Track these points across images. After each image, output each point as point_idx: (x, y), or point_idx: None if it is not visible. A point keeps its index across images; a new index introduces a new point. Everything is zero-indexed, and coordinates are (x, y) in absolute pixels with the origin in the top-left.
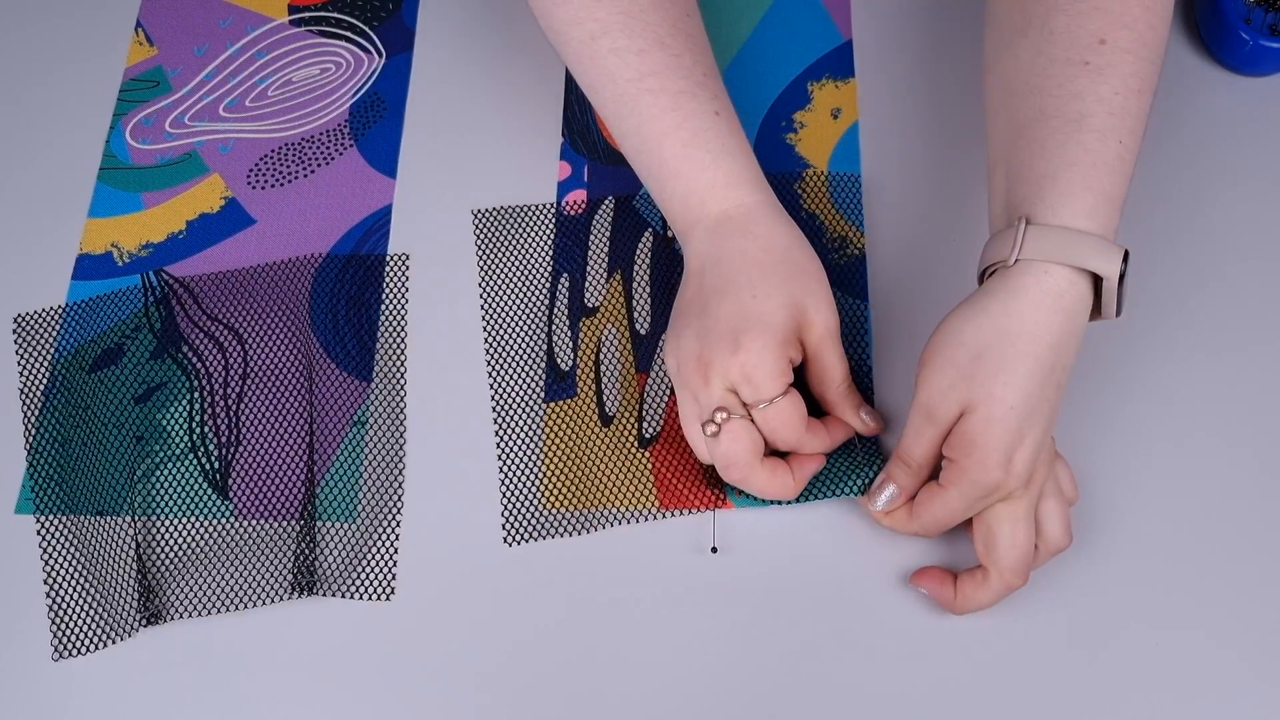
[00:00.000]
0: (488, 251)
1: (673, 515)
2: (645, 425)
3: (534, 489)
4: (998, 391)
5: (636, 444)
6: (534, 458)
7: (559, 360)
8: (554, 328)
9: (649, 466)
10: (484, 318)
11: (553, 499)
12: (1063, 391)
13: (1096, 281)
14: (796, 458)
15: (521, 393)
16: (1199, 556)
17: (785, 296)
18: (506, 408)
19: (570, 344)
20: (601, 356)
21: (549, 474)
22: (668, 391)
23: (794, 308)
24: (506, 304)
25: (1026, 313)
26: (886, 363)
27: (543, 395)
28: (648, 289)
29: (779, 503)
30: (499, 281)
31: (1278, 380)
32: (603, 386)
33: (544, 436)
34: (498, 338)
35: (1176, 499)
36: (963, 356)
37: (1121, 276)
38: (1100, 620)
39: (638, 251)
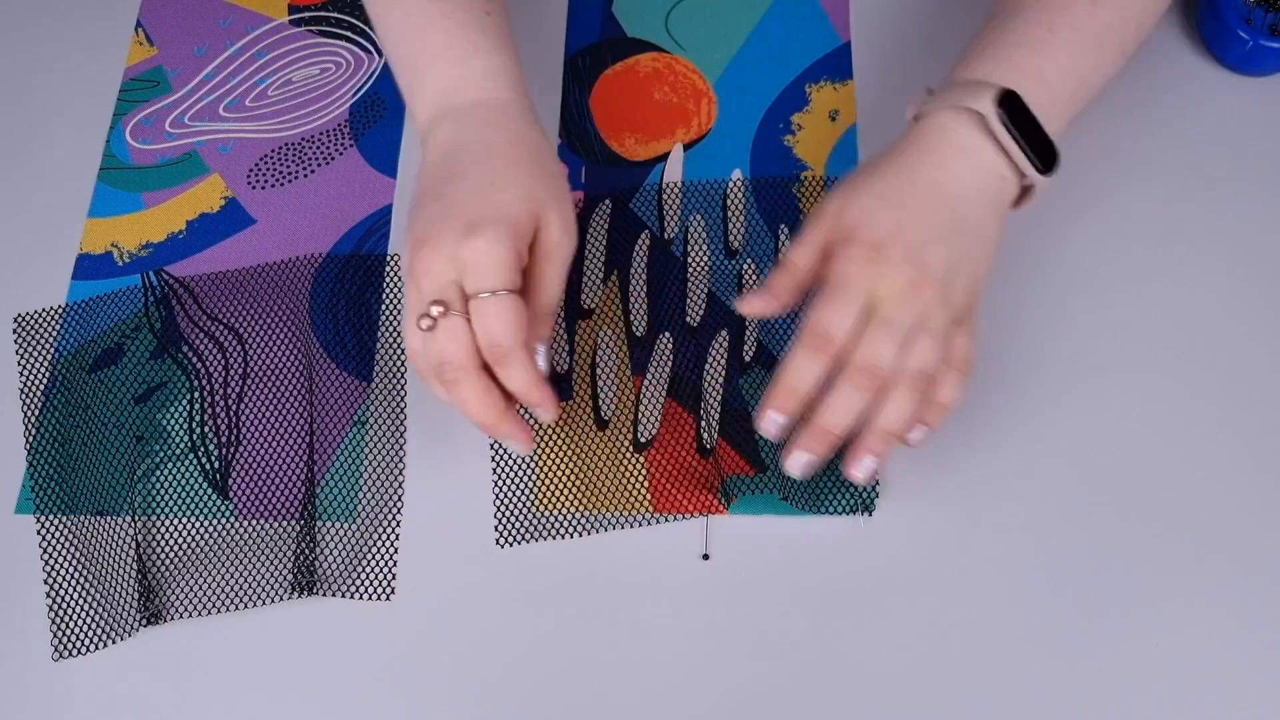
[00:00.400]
0: None
1: (666, 520)
2: (641, 429)
3: (528, 490)
4: (874, 187)
5: (631, 448)
6: (528, 459)
7: (555, 362)
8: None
9: (644, 471)
10: None
11: (547, 501)
12: (976, 243)
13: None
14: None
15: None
16: (1200, 558)
17: (525, 190)
18: None
19: (567, 346)
20: (598, 359)
21: (543, 476)
22: (664, 395)
23: (533, 204)
24: None
25: (918, 148)
26: None
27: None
28: (644, 291)
29: (773, 511)
30: None
31: None
32: (599, 389)
33: (539, 438)
34: None
35: (1177, 500)
36: (858, 179)
37: (1016, 119)
38: (1104, 623)
39: (634, 253)
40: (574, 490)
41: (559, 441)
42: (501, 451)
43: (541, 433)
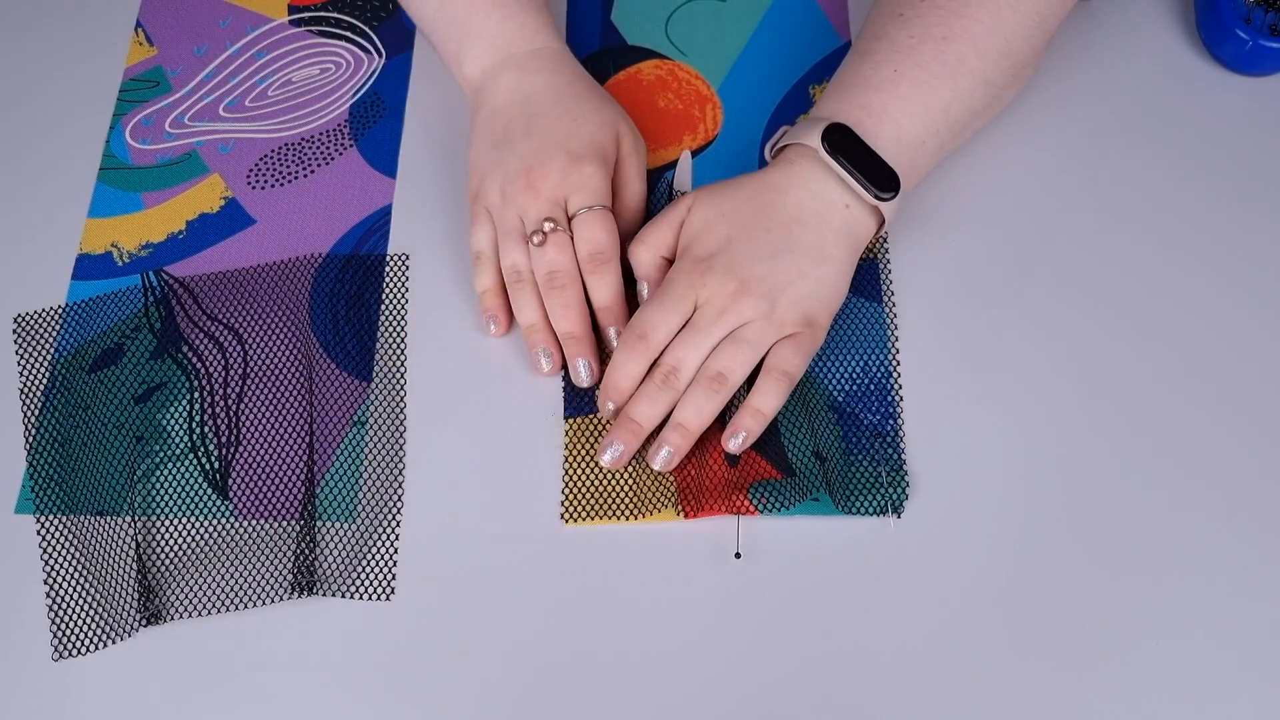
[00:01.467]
0: None
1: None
2: None
3: (595, 468)
4: (720, 204)
5: None
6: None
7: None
8: None
9: (672, 482)
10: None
11: (575, 515)
12: (811, 264)
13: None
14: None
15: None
16: (1199, 559)
17: (604, 119)
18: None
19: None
20: (610, 353)
21: (569, 491)
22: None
23: (612, 129)
24: None
25: (766, 175)
26: (910, 362)
27: (563, 410)
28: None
29: (803, 511)
30: None
31: None
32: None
33: (563, 453)
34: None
35: (1177, 502)
36: (712, 189)
37: (842, 150)
38: (1144, 626)
39: None
40: (602, 504)
41: (585, 456)
42: (574, 430)
43: (565, 448)
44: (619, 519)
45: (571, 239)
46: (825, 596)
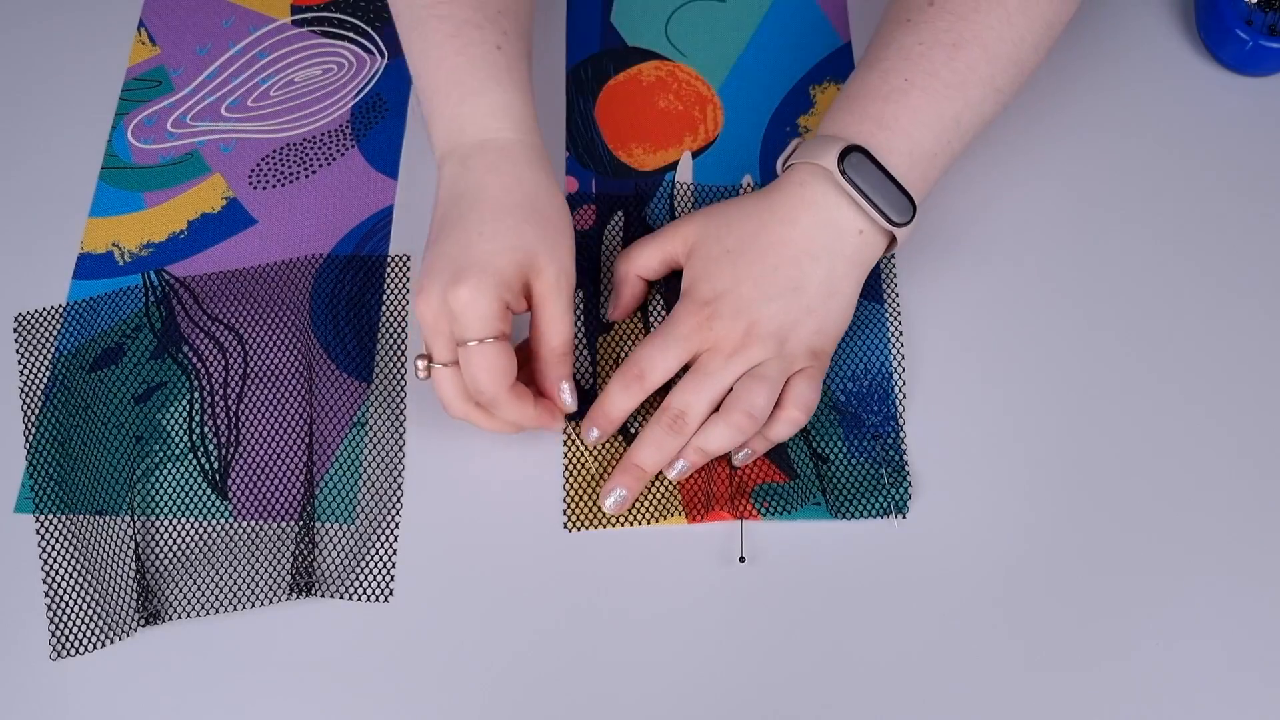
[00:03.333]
0: None
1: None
2: None
3: (596, 475)
4: (725, 239)
5: None
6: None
7: (578, 379)
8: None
9: (675, 485)
10: None
11: (578, 519)
12: (821, 299)
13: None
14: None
15: None
16: (1202, 560)
17: (515, 240)
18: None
19: (589, 362)
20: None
21: (571, 494)
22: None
23: (522, 254)
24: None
25: (776, 200)
26: (912, 363)
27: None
28: (663, 302)
29: (807, 516)
30: None
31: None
32: None
33: (565, 457)
34: None
35: (1179, 502)
36: (718, 216)
37: (860, 175)
38: (1148, 626)
39: None
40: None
41: (587, 458)
42: (573, 437)
43: (569, 449)
44: (622, 524)
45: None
46: (830, 599)
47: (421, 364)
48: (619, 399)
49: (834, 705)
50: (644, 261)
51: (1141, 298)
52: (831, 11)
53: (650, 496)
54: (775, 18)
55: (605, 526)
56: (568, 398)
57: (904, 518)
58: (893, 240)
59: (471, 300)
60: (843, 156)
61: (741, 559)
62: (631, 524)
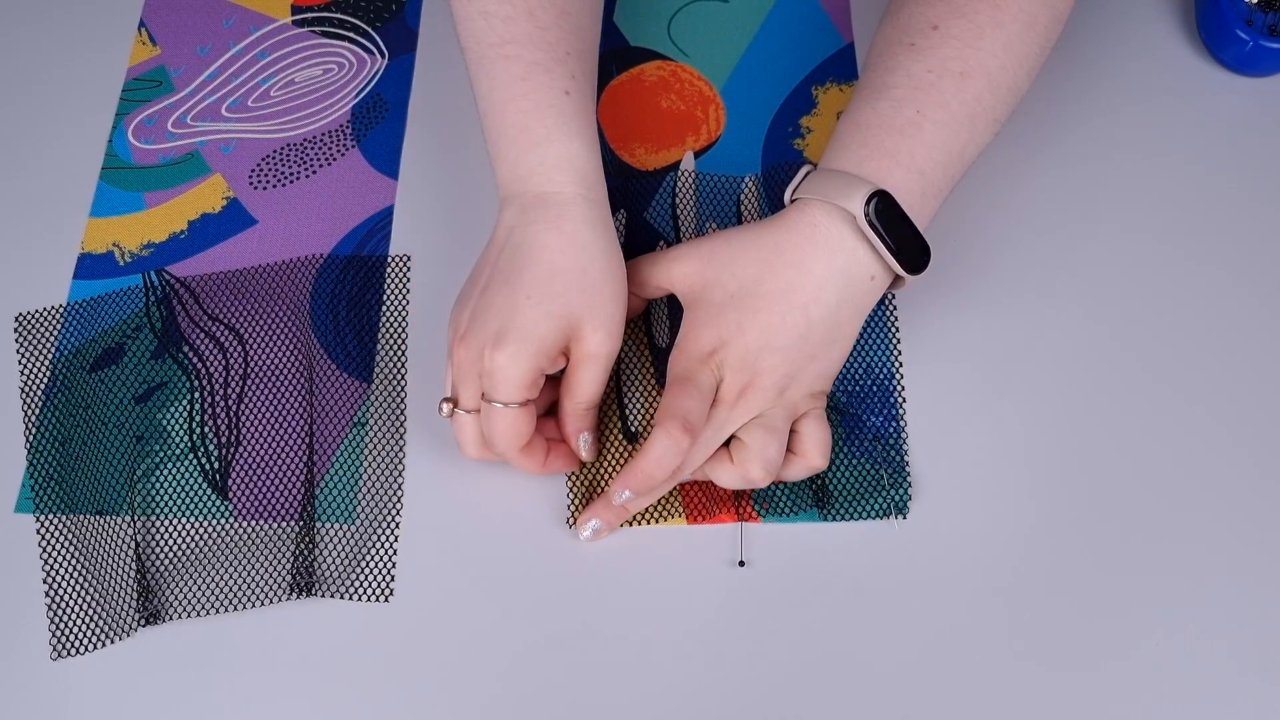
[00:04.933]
0: None
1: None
2: None
3: (599, 475)
4: (729, 283)
5: None
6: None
7: None
8: None
9: (676, 485)
10: None
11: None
12: (824, 345)
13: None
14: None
15: None
16: (1204, 560)
17: (560, 308)
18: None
19: None
20: (622, 372)
21: (574, 493)
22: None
23: (566, 321)
24: None
25: (786, 241)
26: (912, 364)
27: None
28: (664, 302)
29: (807, 518)
30: None
31: None
32: (625, 403)
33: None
34: None
35: (1180, 502)
36: (725, 250)
37: (883, 221)
38: (1147, 626)
39: None
40: None
41: (589, 462)
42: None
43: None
44: (623, 524)
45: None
46: (830, 600)
47: (447, 407)
48: (667, 456)
49: (835, 707)
50: (648, 284)
51: (1142, 298)
52: (834, 12)
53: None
54: (778, 18)
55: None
56: (584, 450)
57: (905, 519)
58: (894, 281)
59: (507, 365)
60: (869, 201)
61: (741, 563)
62: (632, 524)
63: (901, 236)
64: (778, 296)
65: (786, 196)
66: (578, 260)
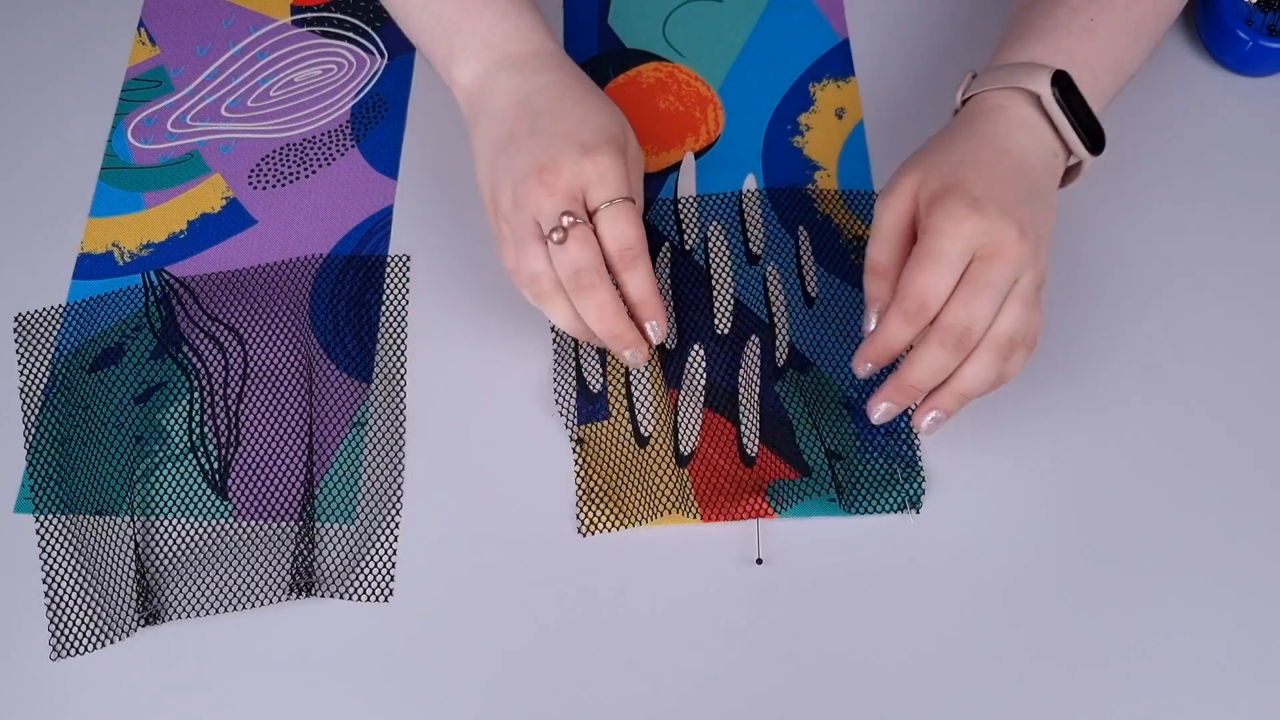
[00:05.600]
0: None
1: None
2: (682, 443)
3: (608, 478)
4: (951, 156)
5: (674, 462)
6: (604, 466)
7: (589, 381)
8: (581, 349)
9: (689, 485)
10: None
11: (593, 523)
12: (1048, 208)
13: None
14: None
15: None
16: (1215, 557)
17: (611, 113)
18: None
19: (599, 365)
20: (631, 376)
21: (585, 497)
22: (702, 407)
23: (619, 123)
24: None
25: (979, 123)
26: None
27: (575, 418)
28: (671, 304)
29: (822, 513)
30: None
31: None
32: (636, 407)
33: (576, 462)
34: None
35: (1189, 501)
36: (926, 156)
37: (1067, 99)
38: (1168, 621)
39: (657, 266)
40: (621, 511)
41: (601, 463)
42: (582, 441)
43: (579, 454)
44: (636, 524)
45: (594, 234)
46: (845, 595)
47: (561, 229)
48: (900, 333)
49: (848, 702)
50: (886, 256)
51: (1142, 296)
52: (828, 8)
53: (662, 495)
54: (773, 16)
55: (620, 529)
56: (654, 334)
57: (918, 513)
58: (1067, 174)
59: (611, 163)
60: (1054, 82)
61: (759, 561)
62: (645, 523)
63: (1083, 120)
64: (1001, 158)
65: (958, 97)
66: (592, 85)
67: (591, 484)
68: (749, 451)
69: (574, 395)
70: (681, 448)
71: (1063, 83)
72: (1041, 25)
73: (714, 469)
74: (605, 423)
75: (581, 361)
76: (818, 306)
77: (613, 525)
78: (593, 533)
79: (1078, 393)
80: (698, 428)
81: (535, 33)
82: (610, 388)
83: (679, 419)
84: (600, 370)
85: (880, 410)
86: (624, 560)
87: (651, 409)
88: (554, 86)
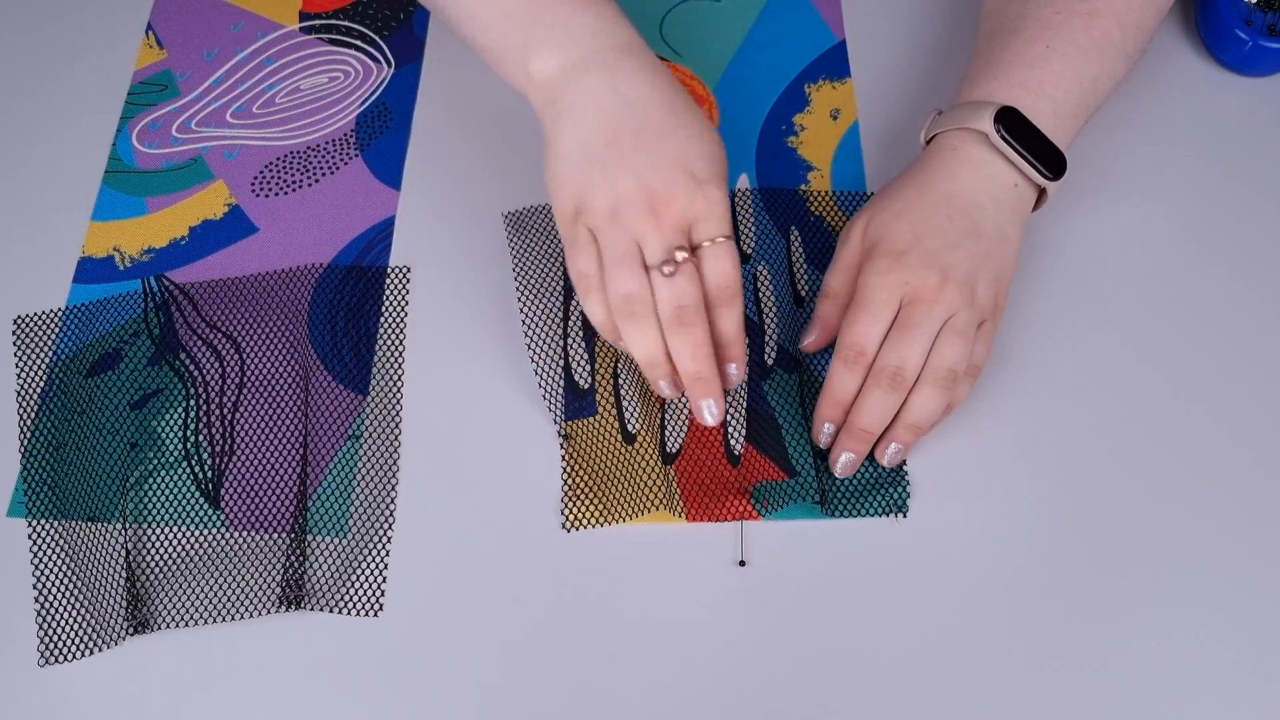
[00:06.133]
0: (519, 252)
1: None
2: (668, 441)
3: (594, 476)
4: (892, 205)
5: (660, 460)
6: (595, 464)
7: (577, 378)
8: (570, 345)
9: (675, 483)
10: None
11: (578, 519)
12: (996, 246)
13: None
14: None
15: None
16: (1204, 558)
17: (714, 138)
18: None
19: (588, 362)
20: (618, 373)
21: (570, 493)
22: (688, 405)
23: (722, 150)
24: (535, 309)
25: (930, 166)
26: None
27: (563, 413)
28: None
29: (808, 515)
30: (530, 281)
31: None
32: (622, 403)
33: (563, 457)
34: (536, 341)
35: (1179, 501)
36: (878, 199)
37: (1018, 131)
38: (1146, 622)
39: None
40: (606, 507)
41: (587, 459)
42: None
43: (566, 449)
44: (621, 520)
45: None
46: (829, 598)
47: (674, 261)
48: (847, 381)
49: (833, 705)
50: (837, 284)
51: (1141, 297)
52: (825, 9)
53: (648, 494)
54: (769, 16)
55: (604, 525)
56: (734, 377)
57: (904, 517)
58: (1040, 196)
59: (720, 199)
60: (997, 119)
61: (742, 562)
62: (629, 520)
63: (1035, 148)
64: (940, 203)
65: (922, 137)
66: (689, 100)
67: (577, 480)
68: (735, 450)
69: (561, 391)
70: (668, 446)
71: (1008, 118)
72: (997, 61)
73: (700, 467)
74: (592, 419)
75: (570, 358)
76: (808, 307)
77: (597, 521)
78: (577, 528)
79: (1067, 394)
80: (685, 426)
81: (620, 26)
82: (598, 385)
83: (666, 417)
84: (588, 367)
85: (841, 462)
86: (620, 561)
87: (638, 406)
88: (657, 96)
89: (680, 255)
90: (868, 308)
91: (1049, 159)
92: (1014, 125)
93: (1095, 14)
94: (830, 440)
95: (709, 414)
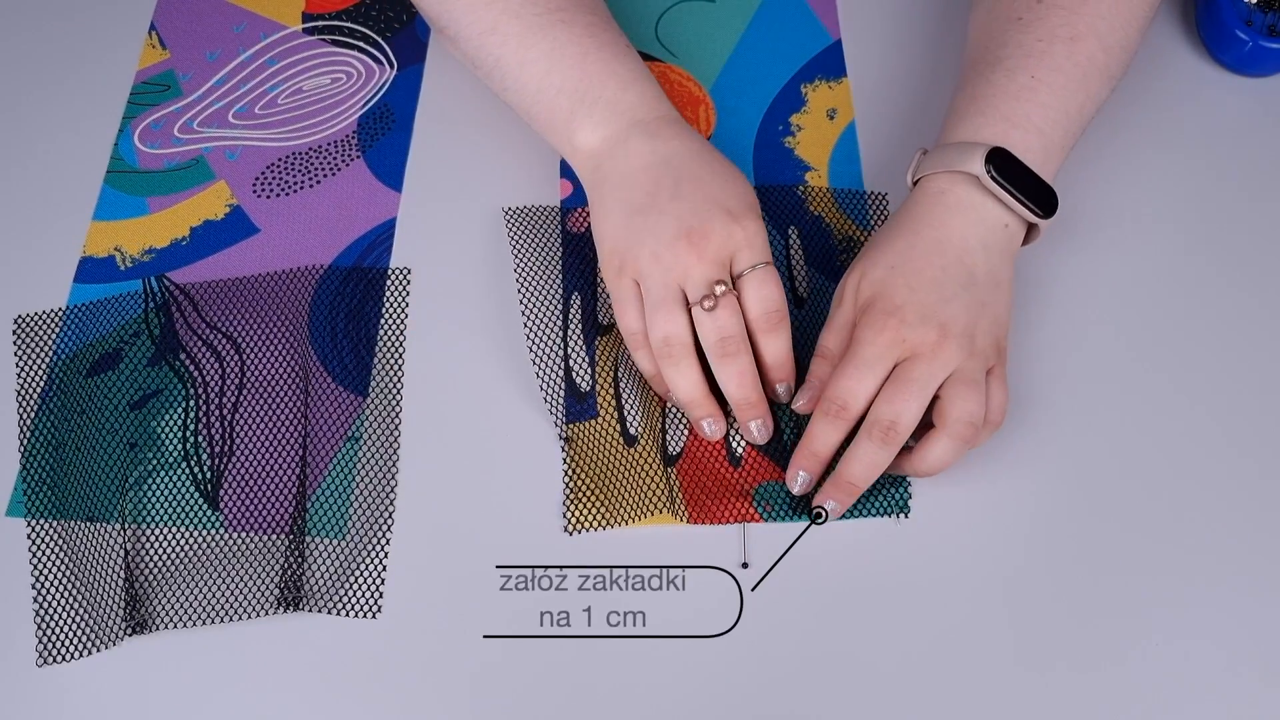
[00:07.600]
0: (520, 252)
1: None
2: (669, 443)
3: (595, 478)
4: (884, 259)
5: (661, 462)
6: (591, 465)
7: (578, 380)
8: (570, 348)
9: (677, 484)
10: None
11: (580, 522)
12: (990, 291)
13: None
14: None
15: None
16: (1205, 560)
17: (746, 183)
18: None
19: (588, 364)
20: (619, 375)
21: (572, 496)
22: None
23: (751, 189)
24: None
25: (919, 212)
26: None
27: (563, 416)
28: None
29: (806, 519)
30: (531, 283)
31: None
32: (623, 406)
33: (565, 460)
34: (537, 341)
35: (1181, 503)
36: (869, 252)
37: (1008, 171)
38: (1146, 624)
39: None
40: (608, 510)
41: (588, 462)
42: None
43: (567, 452)
44: (623, 523)
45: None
46: (832, 599)
47: (713, 296)
48: (828, 435)
49: (835, 705)
50: (834, 343)
51: (1141, 297)
52: (821, 9)
53: (650, 495)
54: (765, 16)
55: (606, 528)
56: (784, 395)
57: (906, 517)
58: (1029, 231)
59: (757, 229)
60: (988, 159)
61: (745, 565)
62: (631, 523)
63: (1026, 186)
64: (933, 254)
65: (908, 179)
66: (723, 156)
67: (579, 483)
68: (736, 452)
69: (562, 394)
70: (669, 448)
71: (998, 158)
72: (983, 95)
73: (702, 469)
74: (593, 422)
75: (570, 359)
76: (808, 307)
77: (599, 524)
78: (579, 531)
79: (1066, 394)
80: (685, 428)
81: (660, 101)
82: (599, 387)
83: (667, 419)
84: (589, 369)
85: (827, 508)
86: (621, 564)
87: (639, 408)
88: (691, 151)
89: (719, 289)
90: (857, 363)
91: (1039, 196)
92: (1004, 165)
93: (1078, 38)
94: (805, 488)
95: (757, 432)
